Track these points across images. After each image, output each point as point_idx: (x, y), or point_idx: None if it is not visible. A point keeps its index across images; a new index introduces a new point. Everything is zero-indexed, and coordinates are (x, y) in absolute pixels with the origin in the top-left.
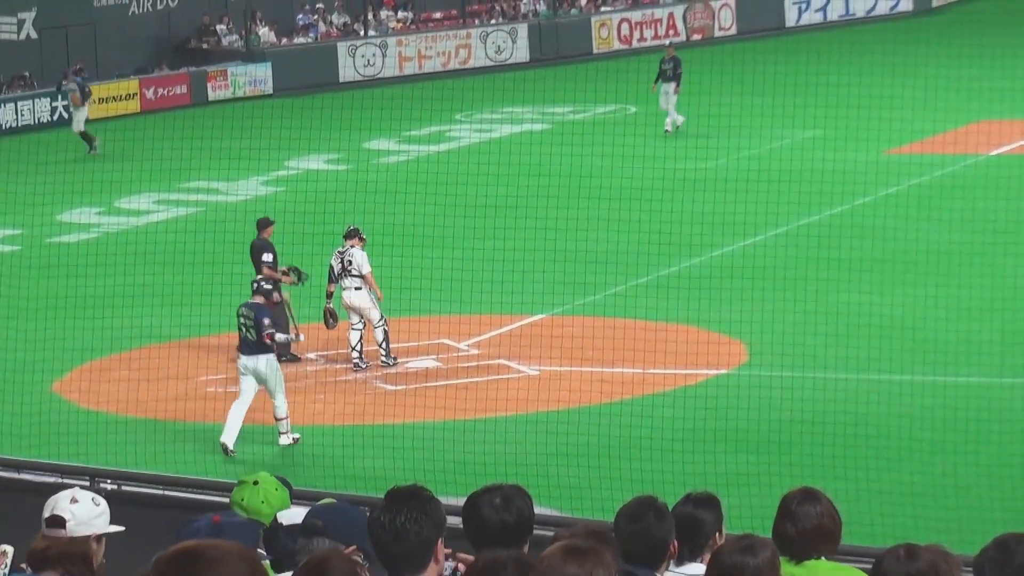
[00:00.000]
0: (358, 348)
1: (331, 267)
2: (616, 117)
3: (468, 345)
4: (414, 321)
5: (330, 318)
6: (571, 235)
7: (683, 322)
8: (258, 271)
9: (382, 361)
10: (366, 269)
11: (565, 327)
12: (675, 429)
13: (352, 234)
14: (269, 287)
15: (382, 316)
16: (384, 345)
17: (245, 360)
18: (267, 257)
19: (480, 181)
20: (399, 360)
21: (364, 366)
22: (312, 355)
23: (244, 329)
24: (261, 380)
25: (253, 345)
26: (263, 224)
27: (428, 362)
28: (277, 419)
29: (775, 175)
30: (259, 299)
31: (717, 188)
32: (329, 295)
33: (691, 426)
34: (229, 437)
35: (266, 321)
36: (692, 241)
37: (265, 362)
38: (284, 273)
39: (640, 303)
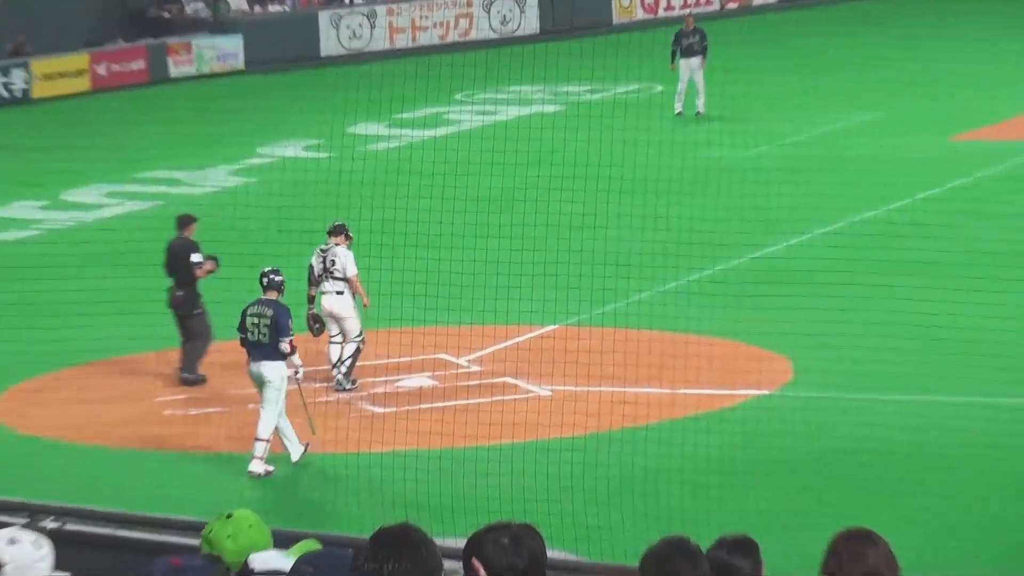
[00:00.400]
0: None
1: (311, 268)
2: (640, 98)
3: (469, 361)
4: (406, 333)
5: (314, 323)
6: (589, 233)
7: (718, 335)
8: (181, 276)
9: (337, 381)
10: (352, 271)
11: (582, 340)
12: (709, 459)
13: (338, 230)
14: (280, 279)
15: (362, 331)
16: (350, 362)
17: (251, 365)
18: (196, 258)
19: (483, 171)
20: (358, 386)
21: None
22: (288, 372)
23: (255, 331)
24: (260, 386)
25: (264, 349)
26: (185, 221)
27: (422, 380)
28: (257, 438)
29: (825, 164)
30: (273, 295)
31: (758, 180)
32: (310, 299)
33: (727, 455)
34: (293, 451)
35: (290, 323)
36: (729, 241)
37: (271, 369)
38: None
39: (669, 312)
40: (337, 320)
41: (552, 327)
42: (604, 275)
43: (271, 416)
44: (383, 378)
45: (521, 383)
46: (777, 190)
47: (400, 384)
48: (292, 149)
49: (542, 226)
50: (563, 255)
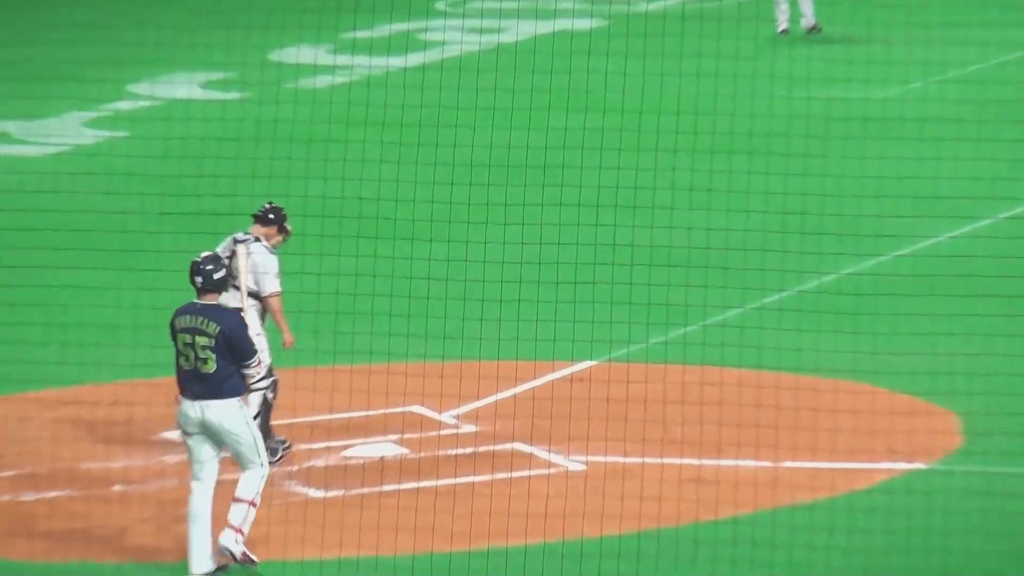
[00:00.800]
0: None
1: None
2: (723, 7)
3: (457, 417)
4: (360, 372)
5: None
6: (643, 218)
7: (844, 375)
8: None
9: None
10: (270, 286)
11: (632, 384)
12: (830, 567)
13: (269, 217)
14: (223, 274)
15: (272, 372)
16: (259, 423)
17: (188, 407)
18: None
19: (480, 122)
20: (291, 448)
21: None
22: (174, 433)
23: (191, 355)
24: (217, 440)
25: (210, 383)
26: None
27: (386, 447)
28: (236, 499)
29: (1005, 112)
30: (213, 298)
31: (903, 135)
32: None
33: (859, 562)
34: (199, 563)
35: (253, 337)
36: (861, 229)
37: (225, 412)
38: None
39: (767, 340)
40: None
41: (586, 364)
42: (667, 282)
43: (257, 470)
44: (324, 443)
45: (538, 451)
46: (934, 150)
47: (351, 453)
48: (184, 87)
49: (570, 206)
50: (604, 252)
